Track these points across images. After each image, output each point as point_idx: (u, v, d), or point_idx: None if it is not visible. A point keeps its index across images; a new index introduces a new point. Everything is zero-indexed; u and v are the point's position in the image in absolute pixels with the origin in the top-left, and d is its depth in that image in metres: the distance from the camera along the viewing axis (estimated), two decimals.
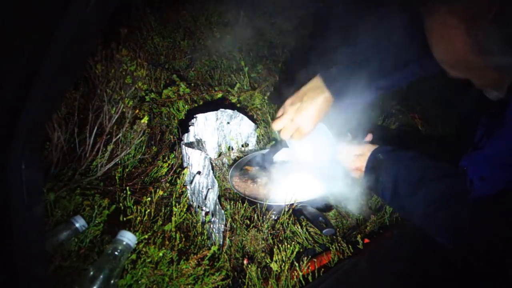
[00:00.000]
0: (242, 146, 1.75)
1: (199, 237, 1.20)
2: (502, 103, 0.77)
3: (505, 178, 0.80)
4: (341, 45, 1.18)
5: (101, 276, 0.89)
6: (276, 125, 1.22)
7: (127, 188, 1.23)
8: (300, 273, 1.12)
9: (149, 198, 1.18)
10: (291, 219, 1.35)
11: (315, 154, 1.33)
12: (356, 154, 1.18)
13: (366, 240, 1.25)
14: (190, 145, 1.44)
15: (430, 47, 0.81)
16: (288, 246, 1.16)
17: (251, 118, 1.78)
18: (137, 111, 1.44)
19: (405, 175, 1.02)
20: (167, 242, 1.07)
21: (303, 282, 1.12)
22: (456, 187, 0.89)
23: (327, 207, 1.48)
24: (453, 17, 0.71)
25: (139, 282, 0.99)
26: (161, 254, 1.03)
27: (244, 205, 1.37)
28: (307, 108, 1.17)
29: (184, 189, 1.35)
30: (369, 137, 1.27)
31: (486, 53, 0.71)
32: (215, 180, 1.32)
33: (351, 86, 1.14)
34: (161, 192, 1.19)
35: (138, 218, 1.13)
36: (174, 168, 1.47)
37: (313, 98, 1.17)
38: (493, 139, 0.80)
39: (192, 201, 1.35)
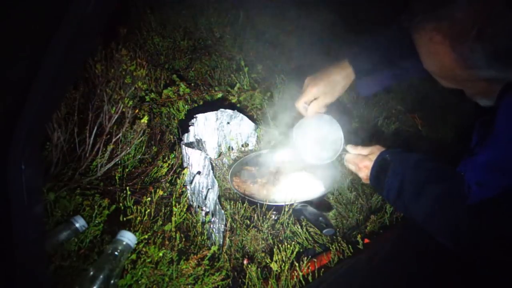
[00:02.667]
0: (242, 146, 1.75)
1: (199, 237, 1.20)
2: (492, 110, 0.78)
3: (502, 184, 0.82)
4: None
5: (101, 276, 0.89)
6: (297, 103, 1.27)
7: (127, 188, 1.23)
8: (300, 273, 1.12)
9: (149, 198, 1.18)
10: (291, 219, 1.35)
11: (320, 144, 1.34)
12: (364, 154, 1.20)
13: (366, 240, 1.25)
14: (190, 145, 1.44)
15: (421, 60, 0.83)
16: (288, 246, 1.16)
17: (251, 118, 1.78)
18: (137, 111, 1.44)
19: (411, 176, 1.03)
20: (167, 242, 1.07)
21: (303, 282, 1.12)
22: (459, 189, 0.90)
23: (327, 207, 1.48)
24: (439, 34, 0.75)
25: (139, 282, 0.99)
26: (161, 254, 1.03)
27: (244, 205, 1.37)
28: (325, 82, 1.21)
29: (184, 189, 1.35)
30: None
31: (472, 67, 0.74)
32: (215, 180, 1.32)
33: (373, 63, 1.17)
34: (161, 192, 1.19)
35: (138, 218, 1.13)
36: (174, 168, 1.47)
37: (333, 73, 1.21)
38: (486, 146, 0.81)
39: (192, 201, 1.35)
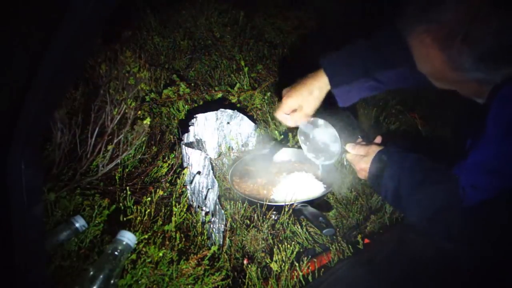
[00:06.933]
0: (242, 146, 1.75)
1: (199, 237, 1.20)
2: (483, 112, 0.79)
3: (497, 185, 0.82)
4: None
5: (101, 276, 0.89)
6: (276, 114, 1.28)
7: (127, 188, 1.23)
8: (300, 273, 1.12)
9: (149, 198, 1.18)
10: (291, 219, 1.35)
11: (319, 149, 1.35)
12: (361, 155, 1.20)
13: (366, 240, 1.25)
14: (190, 145, 1.44)
15: (415, 61, 0.86)
16: (288, 246, 1.16)
17: (251, 118, 1.78)
18: (139, 112, 1.44)
19: (407, 177, 1.03)
20: (167, 242, 1.07)
21: (303, 282, 1.12)
22: (454, 191, 0.90)
23: (327, 207, 1.48)
24: (428, 36, 0.77)
25: (139, 282, 0.99)
26: (161, 254, 1.03)
27: (244, 205, 1.37)
28: (300, 92, 1.22)
29: (184, 189, 1.35)
30: (379, 139, 1.29)
31: (460, 69, 0.76)
32: (215, 180, 1.32)
33: (347, 73, 1.17)
34: (161, 192, 1.19)
35: (138, 218, 1.13)
36: (174, 168, 1.47)
37: (307, 83, 1.22)
38: (477, 149, 0.82)
39: (192, 201, 1.35)
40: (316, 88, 1.21)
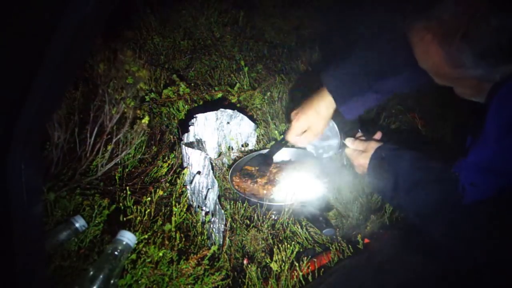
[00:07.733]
0: (242, 146, 1.75)
1: (199, 237, 1.20)
2: (483, 110, 0.80)
3: (496, 183, 0.82)
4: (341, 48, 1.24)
5: (101, 276, 0.89)
6: (287, 137, 1.35)
7: (127, 188, 1.22)
8: (300, 273, 1.12)
9: (149, 198, 1.18)
10: (291, 219, 1.35)
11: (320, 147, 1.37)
12: (360, 151, 1.20)
13: (366, 240, 1.25)
14: (190, 145, 1.44)
15: (416, 57, 0.87)
16: (288, 246, 1.16)
17: (251, 118, 1.78)
18: (138, 111, 1.44)
19: (405, 175, 1.03)
20: (167, 242, 1.07)
21: (303, 282, 1.12)
22: (453, 189, 0.90)
23: (327, 207, 1.48)
24: (428, 33, 0.79)
25: (139, 282, 0.99)
26: (161, 254, 1.03)
27: (244, 205, 1.37)
28: (309, 115, 1.27)
29: (184, 189, 1.35)
30: (378, 135, 1.29)
31: (460, 66, 0.78)
32: (215, 180, 1.32)
33: (351, 89, 1.20)
34: (161, 192, 1.19)
35: (138, 218, 1.13)
36: (174, 168, 1.47)
37: (314, 105, 1.26)
38: (477, 147, 0.83)
39: (192, 201, 1.35)
40: (322, 107, 1.25)
